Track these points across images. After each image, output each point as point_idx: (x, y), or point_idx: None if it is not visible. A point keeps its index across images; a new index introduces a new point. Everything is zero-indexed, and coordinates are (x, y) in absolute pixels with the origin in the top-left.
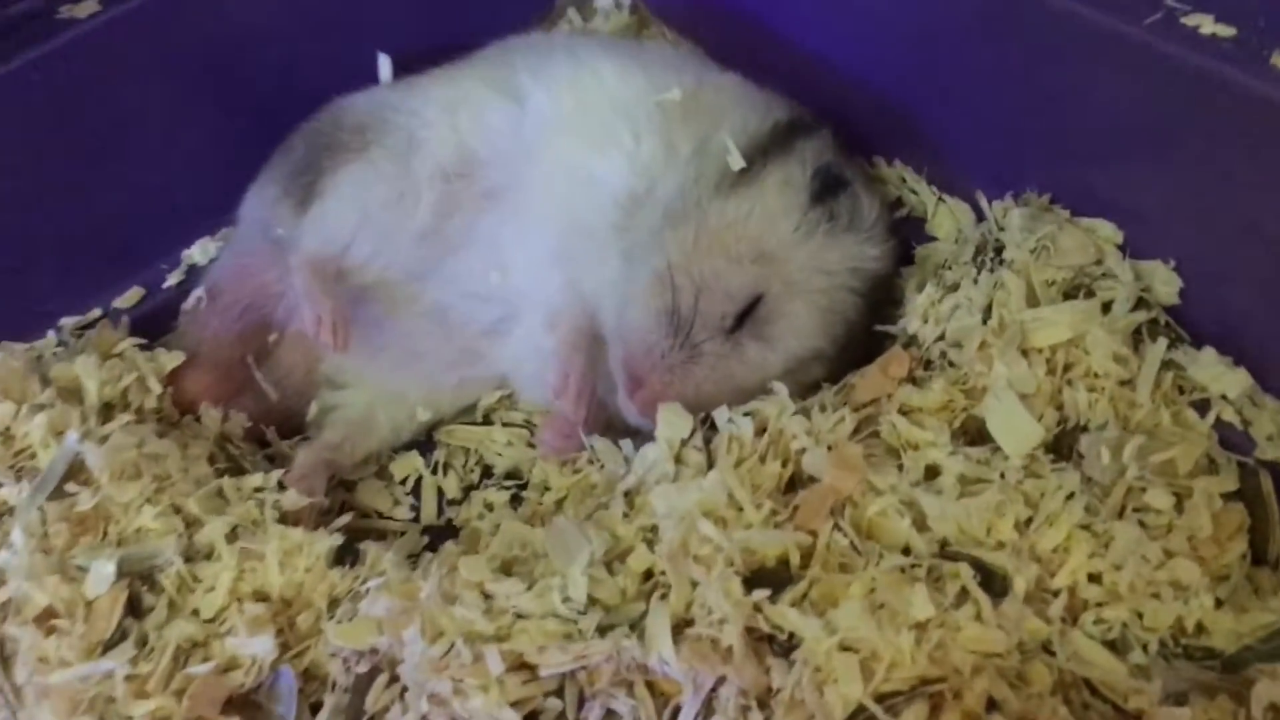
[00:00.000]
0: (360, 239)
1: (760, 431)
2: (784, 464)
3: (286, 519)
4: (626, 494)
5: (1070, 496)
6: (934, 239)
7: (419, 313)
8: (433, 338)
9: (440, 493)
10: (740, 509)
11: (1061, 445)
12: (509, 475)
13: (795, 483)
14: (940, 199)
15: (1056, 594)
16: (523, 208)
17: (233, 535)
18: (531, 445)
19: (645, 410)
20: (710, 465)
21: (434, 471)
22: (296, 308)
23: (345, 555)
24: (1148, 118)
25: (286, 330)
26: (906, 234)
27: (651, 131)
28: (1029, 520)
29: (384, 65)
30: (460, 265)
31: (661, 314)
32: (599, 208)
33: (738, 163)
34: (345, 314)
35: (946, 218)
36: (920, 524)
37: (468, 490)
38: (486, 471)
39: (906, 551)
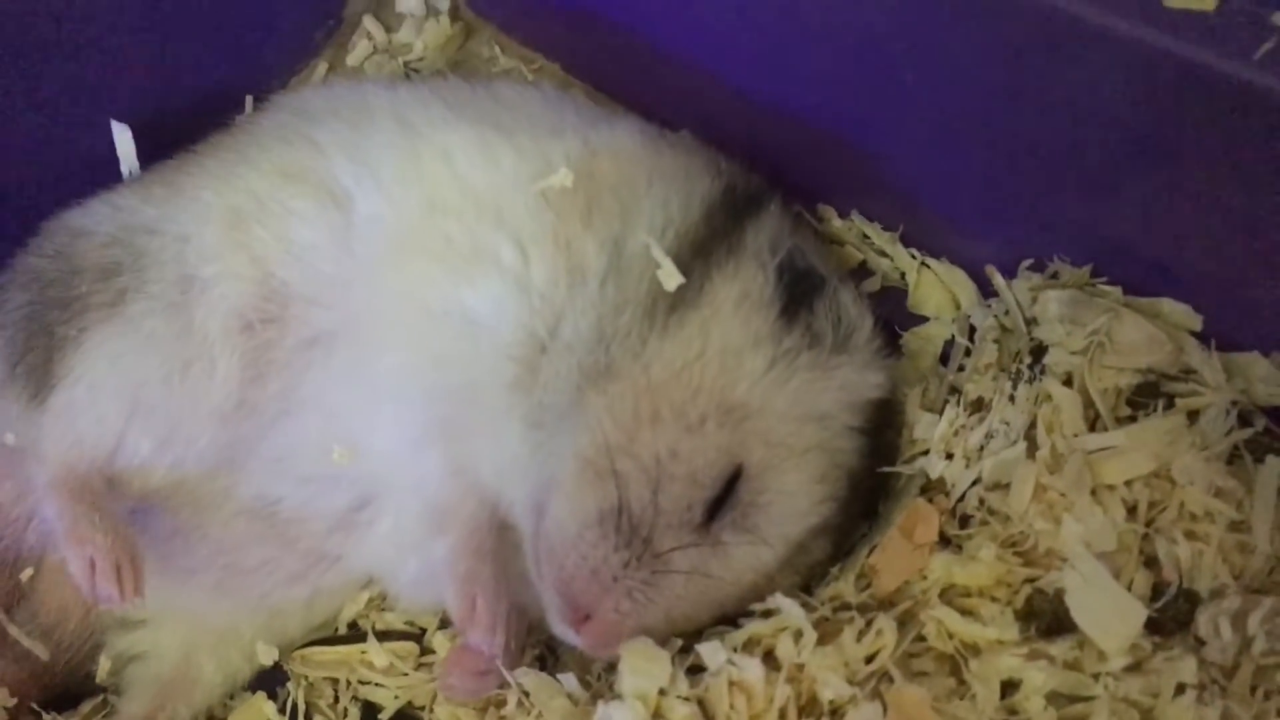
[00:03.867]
0: (133, 433)
1: (767, 664)
2: None
3: None
4: None
5: (1200, 697)
6: (922, 318)
7: (236, 513)
8: (263, 545)
9: None
10: None
11: (1162, 616)
12: (401, 717)
13: None
14: (923, 263)
15: None
16: (366, 358)
17: None
18: (425, 665)
19: (597, 650)
20: None
21: (292, 719)
22: (54, 536)
23: None
24: (1229, 146)
25: (45, 560)
26: (883, 313)
27: (541, 239)
28: None
29: (123, 139)
30: (286, 442)
31: (605, 517)
32: (483, 360)
33: (674, 279)
34: (131, 547)
35: (934, 289)
36: None
37: None
38: (368, 711)
39: None
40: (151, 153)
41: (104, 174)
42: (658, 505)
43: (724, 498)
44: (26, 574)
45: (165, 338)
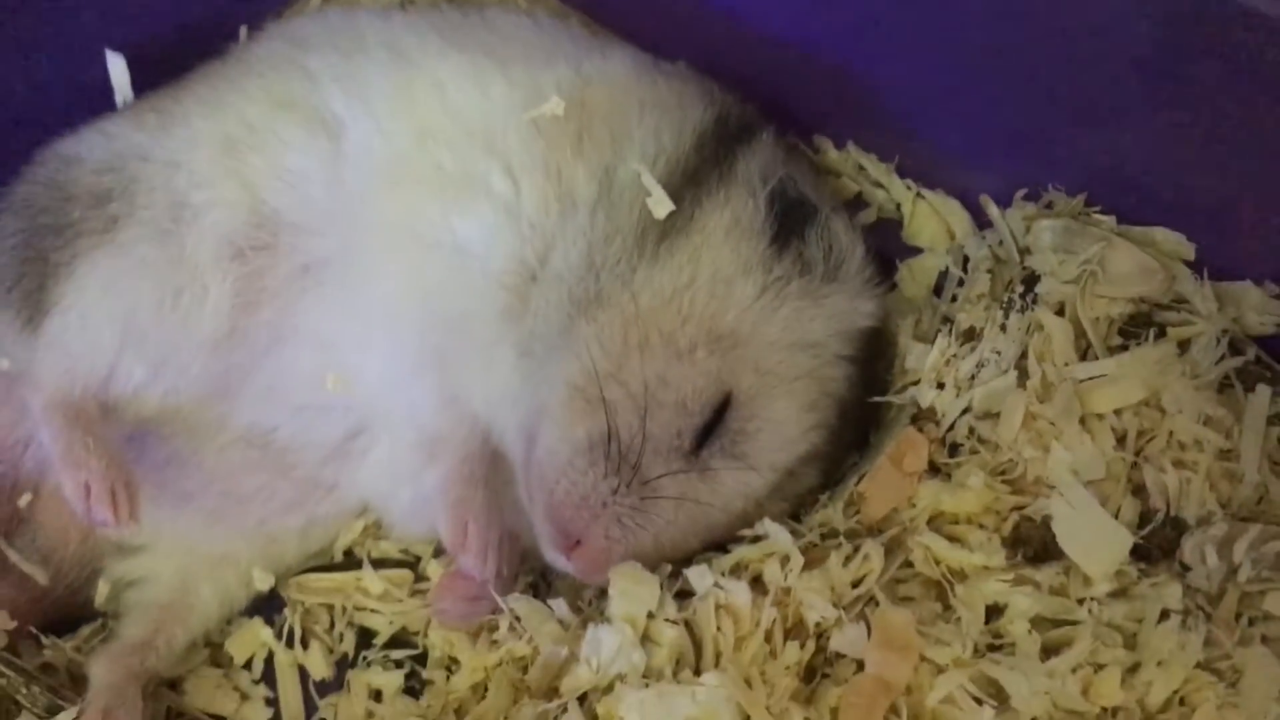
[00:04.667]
0: (127, 359)
1: (755, 588)
2: (801, 643)
3: None
4: (582, 698)
5: (1184, 622)
6: (917, 250)
7: (232, 441)
8: (258, 473)
9: (304, 675)
10: None
11: (1149, 544)
12: (396, 642)
13: (813, 662)
14: (919, 194)
15: None
16: (358, 287)
17: None
18: (419, 592)
19: (587, 576)
20: (694, 644)
21: (288, 644)
22: (50, 460)
23: None
24: (1226, 73)
25: (42, 485)
26: (878, 244)
27: (532, 167)
28: (1134, 666)
29: (118, 69)
30: (279, 371)
31: (595, 444)
32: (474, 289)
33: (664, 206)
34: (125, 472)
35: (929, 220)
36: (1001, 702)
37: (342, 667)
38: (364, 636)
39: None
40: (146, 83)
41: (99, 104)
42: (647, 432)
43: (713, 425)
44: (25, 499)
45: (157, 264)
